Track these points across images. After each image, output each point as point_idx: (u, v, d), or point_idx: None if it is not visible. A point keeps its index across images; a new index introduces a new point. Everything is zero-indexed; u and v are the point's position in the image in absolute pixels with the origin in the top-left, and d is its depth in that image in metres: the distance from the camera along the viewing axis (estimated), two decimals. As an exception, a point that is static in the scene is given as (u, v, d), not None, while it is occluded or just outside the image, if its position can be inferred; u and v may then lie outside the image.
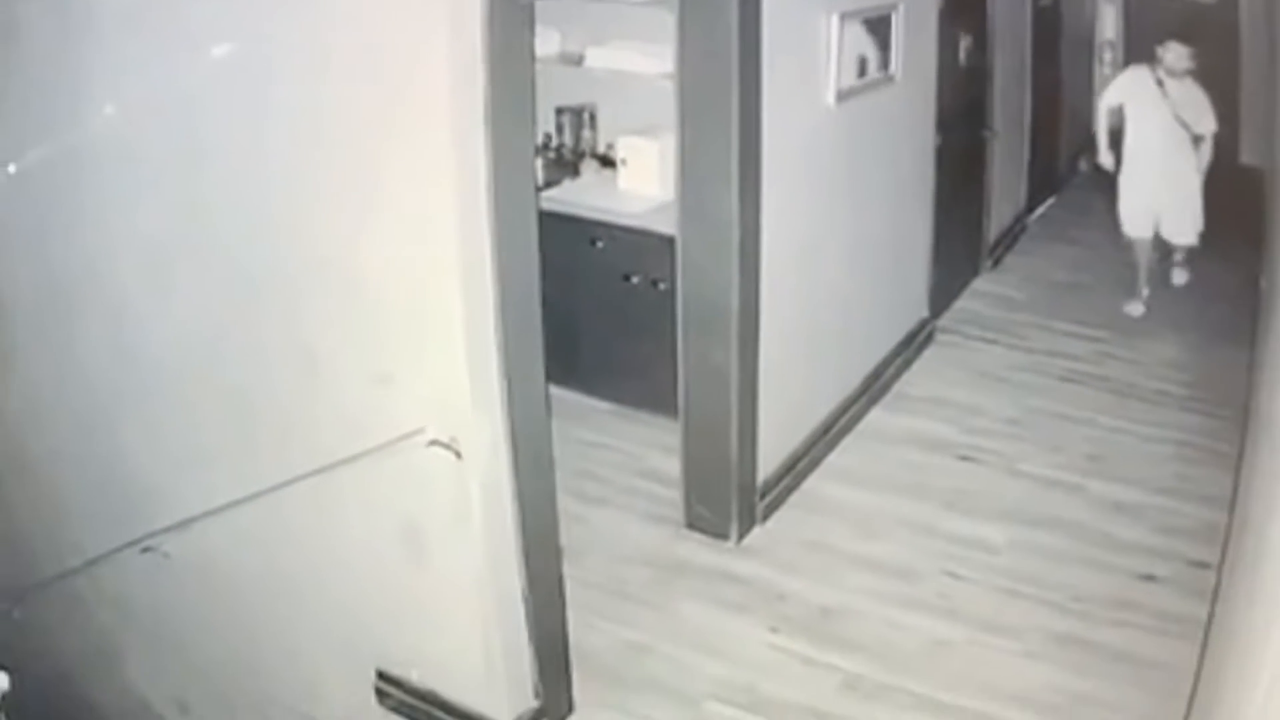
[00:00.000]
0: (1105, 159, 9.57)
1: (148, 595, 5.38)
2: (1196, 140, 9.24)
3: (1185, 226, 9.51)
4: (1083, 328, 8.74)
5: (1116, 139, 9.58)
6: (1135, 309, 9.45)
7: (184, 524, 4.63)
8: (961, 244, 9.47)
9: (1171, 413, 7.62)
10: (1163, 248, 9.78)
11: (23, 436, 5.57)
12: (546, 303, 4.59)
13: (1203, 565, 5.93)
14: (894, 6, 7.01)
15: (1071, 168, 12.13)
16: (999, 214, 10.29)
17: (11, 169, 5.00)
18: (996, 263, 10.26)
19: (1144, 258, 9.59)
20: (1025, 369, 8.40)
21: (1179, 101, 9.15)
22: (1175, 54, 9.16)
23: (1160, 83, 9.18)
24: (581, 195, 7.40)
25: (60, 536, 5.50)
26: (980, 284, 9.93)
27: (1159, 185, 9.38)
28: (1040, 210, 11.51)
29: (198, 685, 5.58)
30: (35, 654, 5.11)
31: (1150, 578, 6.00)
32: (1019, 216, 11.04)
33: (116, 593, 5.40)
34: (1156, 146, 9.27)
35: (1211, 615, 5.33)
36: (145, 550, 4.73)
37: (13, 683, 3.37)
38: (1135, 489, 6.74)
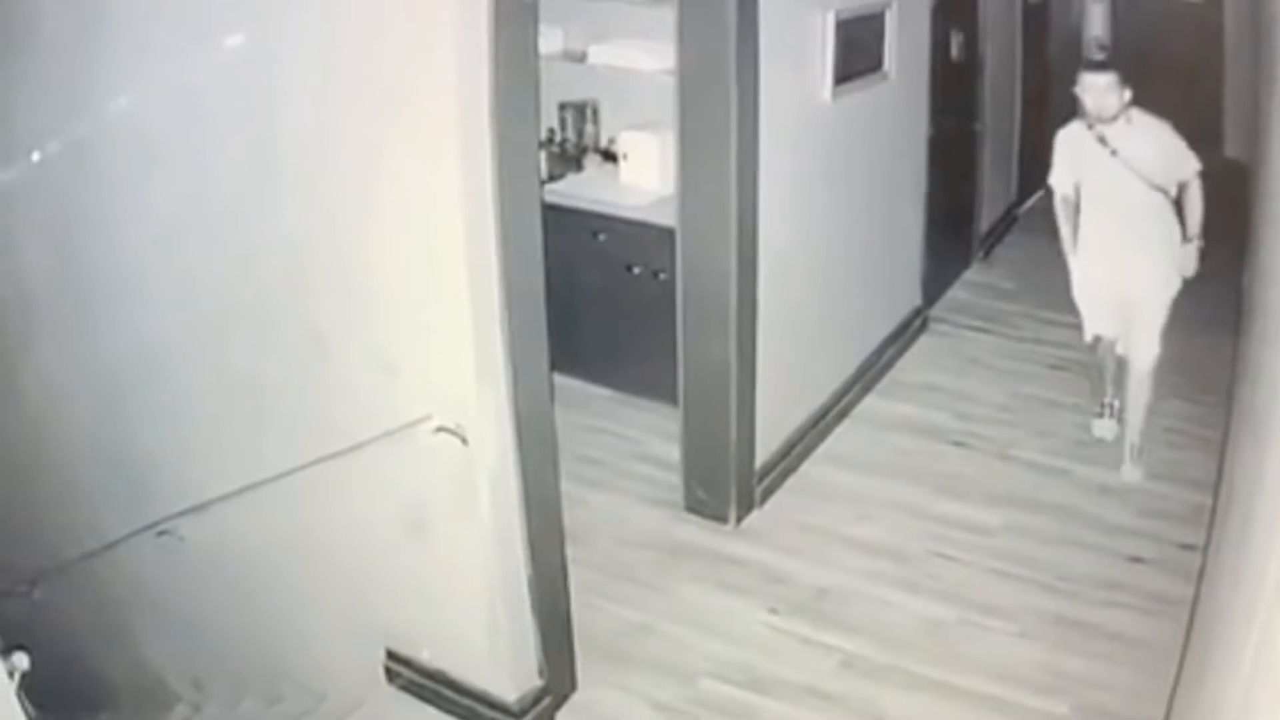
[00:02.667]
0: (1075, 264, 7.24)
1: (163, 576, 5.42)
2: (1180, 190, 6.65)
3: (1142, 336, 7.04)
4: (1071, 317, 8.58)
5: None
6: (1106, 428, 7.50)
7: (199, 508, 4.72)
8: (953, 235, 9.55)
9: (1157, 399, 7.73)
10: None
11: (41, 421, 5.63)
12: (550, 293, 4.66)
13: (1189, 547, 6.02)
14: (887, 4, 7.10)
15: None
16: (990, 206, 10.37)
17: (36, 156, 5.06)
18: (988, 253, 10.32)
19: (1113, 361, 7.43)
20: (1015, 357, 8.49)
21: (1132, 153, 6.61)
22: (1094, 93, 6.60)
23: (1102, 139, 6.65)
24: (584, 189, 7.50)
25: (77, 519, 5.54)
26: (971, 274, 10.01)
27: (1125, 277, 6.97)
28: (1029, 203, 11.48)
29: (212, 664, 5.65)
30: (54, 634, 5.20)
31: (1138, 559, 6.10)
32: (1009, 209, 11.10)
33: (132, 574, 5.44)
34: (1115, 227, 6.89)
35: (1197, 596, 5.42)
36: (161, 533, 4.83)
37: (32, 662, 3.43)
38: (1123, 473, 6.83)
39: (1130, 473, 7.03)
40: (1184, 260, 6.70)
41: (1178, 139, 6.57)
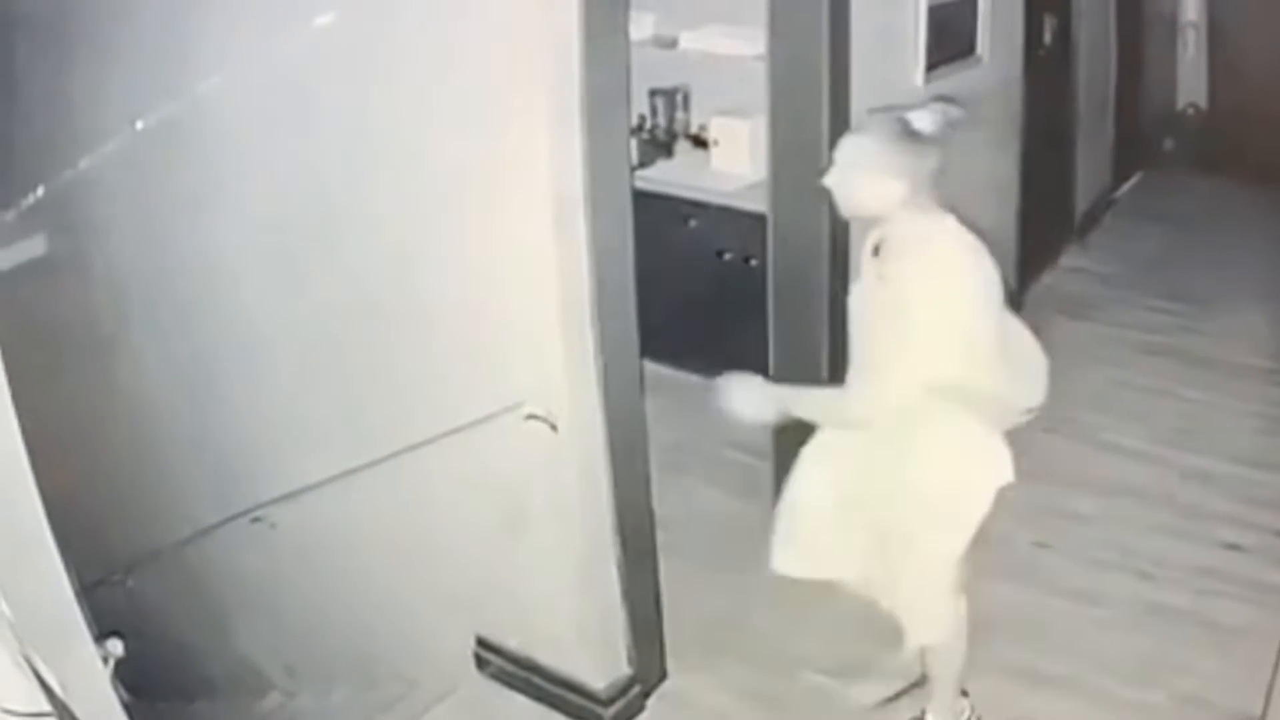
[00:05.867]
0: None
1: (255, 563, 5.49)
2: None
3: (908, 607, 4.57)
4: (1167, 302, 8.64)
5: None
6: (869, 692, 5.03)
7: (291, 495, 4.76)
8: (1047, 220, 9.42)
9: (1255, 385, 7.59)
10: None
11: (134, 409, 5.70)
12: (640, 279, 4.64)
13: (1288, 535, 5.93)
14: (981, -13, 7.02)
15: (1156, 146, 11.97)
16: (1084, 191, 10.23)
17: (139, 124, 5.06)
18: (1082, 238, 10.22)
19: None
20: (1110, 343, 8.33)
21: (911, 288, 4.01)
22: (837, 170, 4.13)
23: (876, 250, 4.27)
24: (675, 175, 7.45)
25: (171, 507, 5.61)
26: (1066, 259, 9.83)
27: (877, 500, 4.45)
28: (1125, 188, 11.39)
29: (303, 651, 5.70)
30: (148, 621, 5.24)
31: (1236, 547, 5.99)
32: (1104, 194, 10.94)
33: (225, 561, 5.51)
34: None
35: (1298, 584, 5.39)
36: (254, 520, 4.87)
37: (126, 649, 3.46)
38: (1220, 460, 6.70)
39: (867, 690, 5.05)
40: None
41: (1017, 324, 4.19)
